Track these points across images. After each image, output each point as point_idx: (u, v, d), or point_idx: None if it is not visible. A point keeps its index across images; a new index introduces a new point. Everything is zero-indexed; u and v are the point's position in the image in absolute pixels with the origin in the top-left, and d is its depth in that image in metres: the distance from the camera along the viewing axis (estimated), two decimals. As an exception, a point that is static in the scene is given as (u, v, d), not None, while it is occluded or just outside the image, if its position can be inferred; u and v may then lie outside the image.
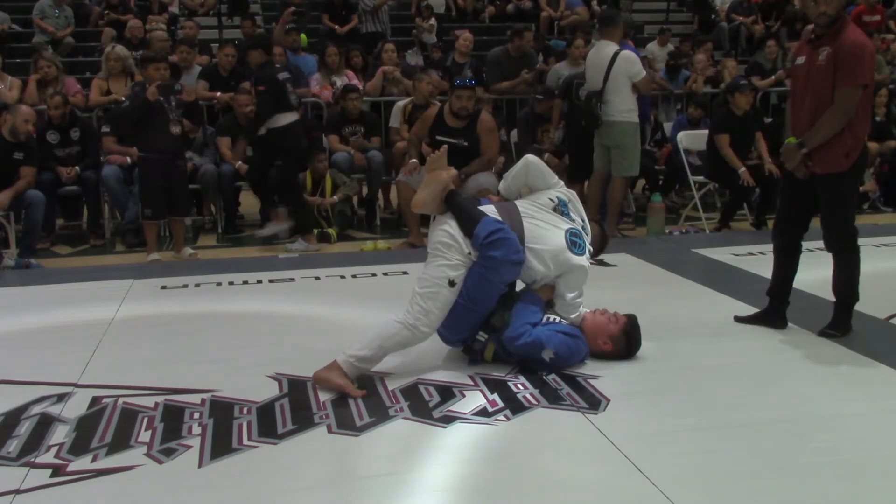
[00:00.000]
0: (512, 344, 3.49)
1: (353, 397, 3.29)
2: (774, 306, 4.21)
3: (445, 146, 3.76)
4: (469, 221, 3.47)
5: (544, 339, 3.48)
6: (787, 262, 4.17)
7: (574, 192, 3.92)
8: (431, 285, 3.44)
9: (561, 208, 3.72)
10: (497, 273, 3.44)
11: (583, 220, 3.82)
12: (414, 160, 6.69)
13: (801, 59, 3.98)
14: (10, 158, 6.61)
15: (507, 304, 3.57)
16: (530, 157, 3.86)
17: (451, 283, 3.43)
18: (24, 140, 6.67)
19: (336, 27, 10.49)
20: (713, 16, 12.61)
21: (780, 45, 10.43)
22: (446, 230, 3.51)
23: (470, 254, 3.45)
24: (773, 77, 9.35)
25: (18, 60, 9.44)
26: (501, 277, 3.47)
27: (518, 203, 3.72)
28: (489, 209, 3.61)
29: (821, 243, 4.03)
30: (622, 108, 6.66)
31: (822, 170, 3.87)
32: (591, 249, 3.81)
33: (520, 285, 3.76)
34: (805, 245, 4.16)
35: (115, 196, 7.14)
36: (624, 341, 3.67)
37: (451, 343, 3.66)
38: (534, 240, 3.56)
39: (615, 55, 6.59)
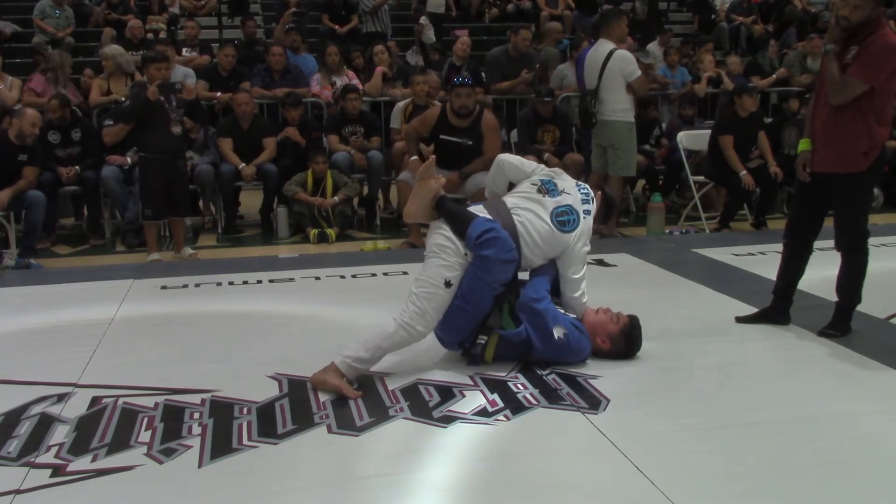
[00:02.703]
0: (529, 306, 3.48)
1: (350, 398, 3.29)
2: (778, 303, 4.20)
3: (433, 157, 3.78)
4: (461, 223, 3.47)
5: (560, 315, 3.51)
6: (795, 263, 4.15)
7: (558, 169, 3.91)
8: (428, 286, 3.45)
9: (546, 187, 3.70)
10: (490, 272, 3.44)
11: (578, 186, 3.77)
12: (415, 157, 6.69)
13: None
14: (14, 160, 6.62)
15: (503, 304, 3.57)
16: (501, 157, 3.89)
17: (448, 284, 3.44)
18: (30, 142, 6.68)
19: (336, 27, 10.49)
20: (713, 16, 12.61)
21: (779, 45, 10.43)
22: (442, 233, 3.52)
23: (466, 255, 3.46)
24: (773, 76, 9.35)
25: (18, 60, 9.45)
26: (495, 277, 3.47)
27: (506, 198, 3.72)
28: (478, 209, 3.62)
29: (826, 243, 4.02)
30: (616, 107, 6.66)
31: (840, 169, 3.85)
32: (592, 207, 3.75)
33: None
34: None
35: (115, 197, 7.14)
36: (623, 342, 3.68)
37: (448, 346, 3.66)
38: (525, 232, 3.56)
39: (610, 53, 6.59)
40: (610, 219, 4.05)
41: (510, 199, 3.69)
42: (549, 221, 3.60)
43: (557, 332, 3.48)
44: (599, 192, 3.95)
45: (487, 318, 3.56)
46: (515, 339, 3.54)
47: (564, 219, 3.63)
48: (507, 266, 3.49)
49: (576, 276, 3.69)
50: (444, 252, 3.47)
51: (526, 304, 3.51)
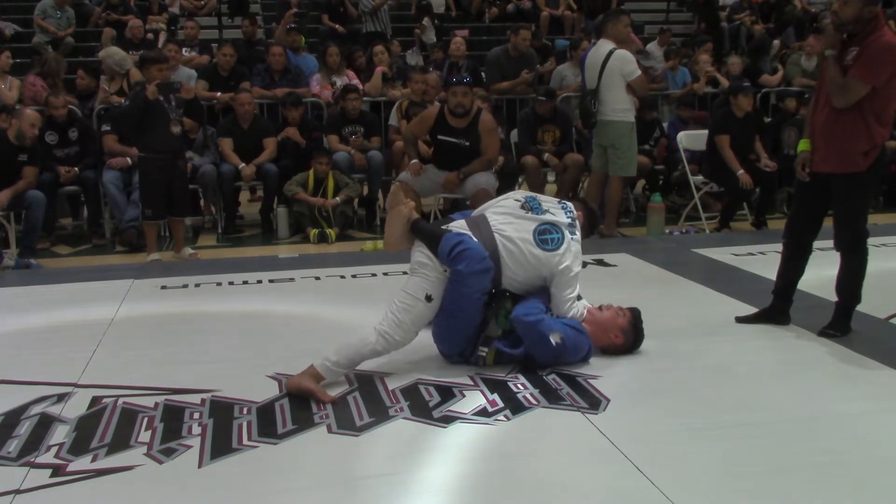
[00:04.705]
0: (522, 321, 3.48)
1: (323, 402, 3.25)
2: (778, 303, 4.20)
3: (398, 184, 3.79)
4: (433, 241, 3.51)
5: (553, 323, 3.51)
6: (795, 263, 4.15)
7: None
8: (408, 298, 3.48)
9: (530, 204, 3.70)
10: (467, 285, 3.47)
11: (561, 206, 3.76)
12: (415, 161, 6.70)
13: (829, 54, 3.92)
14: (13, 160, 6.62)
15: (497, 311, 3.57)
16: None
17: (429, 298, 3.47)
18: (29, 143, 6.68)
19: (336, 27, 10.49)
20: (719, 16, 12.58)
21: (779, 45, 10.44)
22: (422, 251, 3.56)
23: (445, 271, 3.49)
24: (780, 72, 9.31)
25: (18, 60, 9.44)
26: (474, 288, 3.49)
27: (487, 213, 3.72)
28: (459, 224, 3.63)
29: (826, 243, 4.02)
30: (616, 107, 6.65)
31: (840, 169, 3.85)
32: (578, 229, 3.74)
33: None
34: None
35: (114, 203, 7.07)
36: (633, 333, 3.72)
37: (449, 357, 3.67)
38: (508, 251, 3.56)
39: (609, 53, 6.60)
40: (594, 231, 4.03)
41: (492, 217, 3.68)
42: (532, 240, 3.60)
43: (554, 339, 3.48)
44: (580, 213, 3.89)
45: (484, 328, 3.58)
46: (515, 353, 3.56)
47: (547, 237, 3.63)
48: (483, 276, 3.50)
49: (568, 296, 3.66)
50: (425, 269, 3.51)
51: (518, 319, 3.50)
